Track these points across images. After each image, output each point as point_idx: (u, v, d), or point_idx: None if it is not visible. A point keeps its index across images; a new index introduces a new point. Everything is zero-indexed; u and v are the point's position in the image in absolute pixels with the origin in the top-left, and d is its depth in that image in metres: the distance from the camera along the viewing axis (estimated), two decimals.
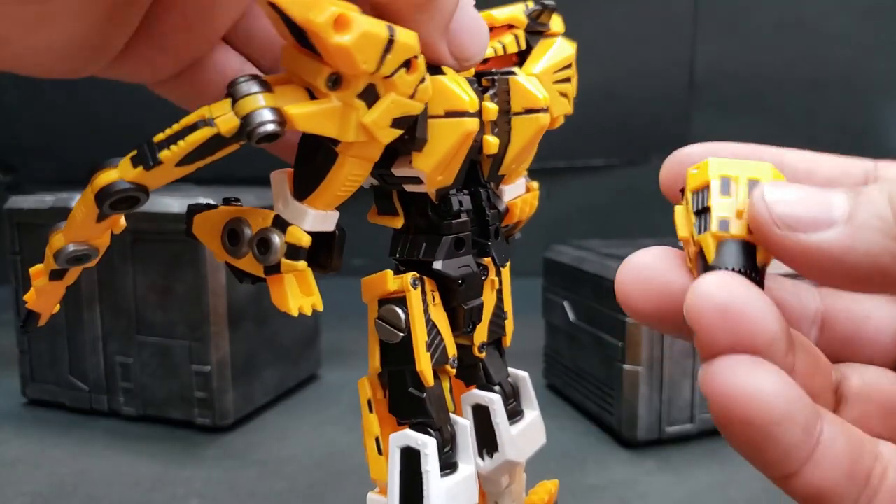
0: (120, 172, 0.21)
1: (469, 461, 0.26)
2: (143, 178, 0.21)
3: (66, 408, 0.72)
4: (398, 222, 0.27)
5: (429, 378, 0.25)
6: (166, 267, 0.65)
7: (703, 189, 0.18)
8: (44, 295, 0.26)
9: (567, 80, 0.29)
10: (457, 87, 0.24)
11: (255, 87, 0.20)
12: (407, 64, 0.21)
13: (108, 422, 0.69)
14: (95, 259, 0.24)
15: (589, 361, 0.66)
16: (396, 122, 0.22)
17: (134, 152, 0.21)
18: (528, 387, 0.31)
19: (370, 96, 0.21)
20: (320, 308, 0.23)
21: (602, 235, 0.81)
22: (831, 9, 1.24)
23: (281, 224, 0.22)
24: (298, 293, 0.23)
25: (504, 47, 0.28)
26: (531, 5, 0.28)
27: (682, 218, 0.19)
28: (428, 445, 0.25)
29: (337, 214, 0.24)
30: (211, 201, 0.26)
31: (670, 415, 0.61)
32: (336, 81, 0.21)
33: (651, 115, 1.26)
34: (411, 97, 0.22)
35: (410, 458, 0.25)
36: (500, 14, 0.28)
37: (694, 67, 1.28)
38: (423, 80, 0.22)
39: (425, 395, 0.25)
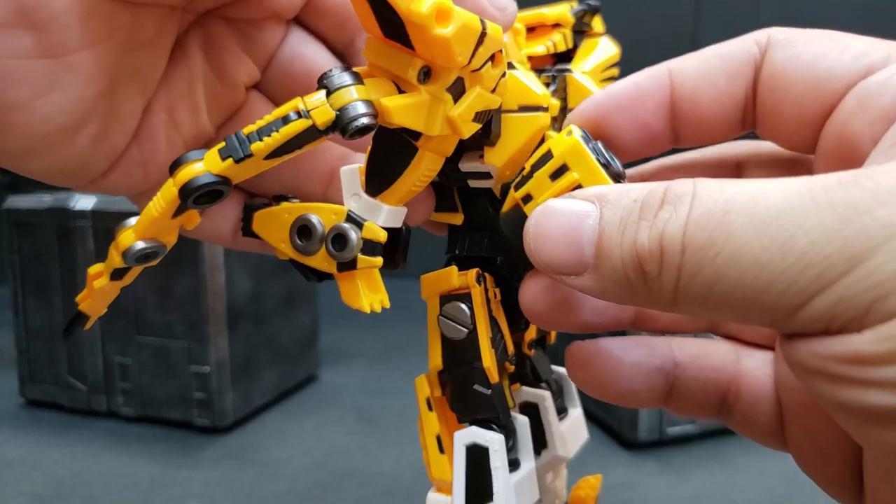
0: (207, 165, 0.20)
1: (529, 458, 0.26)
2: (230, 170, 0.20)
3: (64, 408, 0.71)
4: (458, 219, 0.26)
5: (495, 374, 0.25)
6: (165, 267, 0.65)
7: (548, 156, 0.21)
8: (100, 297, 0.25)
9: (612, 78, 0.29)
10: (530, 82, 0.24)
11: (348, 79, 0.20)
12: (492, 57, 0.21)
13: (107, 422, 0.69)
14: (161, 257, 0.23)
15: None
16: (478, 116, 0.22)
17: (221, 144, 0.20)
18: (571, 384, 0.31)
19: (457, 90, 0.21)
20: (388, 305, 0.23)
21: None
22: (831, 9, 1.24)
23: (354, 220, 0.22)
24: (369, 290, 0.23)
25: (554, 45, 0.28)
26: (576, 5, 0.29)
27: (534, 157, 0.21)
28: (496, 442, 0.24)
29: (405, 210, 0.23)
30: (264, 200, 0.25)
31: (671, 416, 0.61)
32: (427, 74, 0.20)
33: None
34: (493, 91, 0.22)
35: (476, 456, 0.25)
36: (550, 12, 0.28)
37: None
38: (503, 75, 0.22)
39: (491, 391, 0.25)
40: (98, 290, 0.24)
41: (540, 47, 0.27)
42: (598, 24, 0.30)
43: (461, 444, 0.25)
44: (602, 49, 0.29)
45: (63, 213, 0.68)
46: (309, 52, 0.27)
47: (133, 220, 0.23)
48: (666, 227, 0.15)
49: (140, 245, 0.22)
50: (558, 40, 0.28)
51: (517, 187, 0.21)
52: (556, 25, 0.28)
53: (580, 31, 0.29)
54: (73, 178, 0.25)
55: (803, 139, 0.20)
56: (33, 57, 0.21)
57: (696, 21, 1.26)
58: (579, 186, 0.20)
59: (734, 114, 0.21)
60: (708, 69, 0.21)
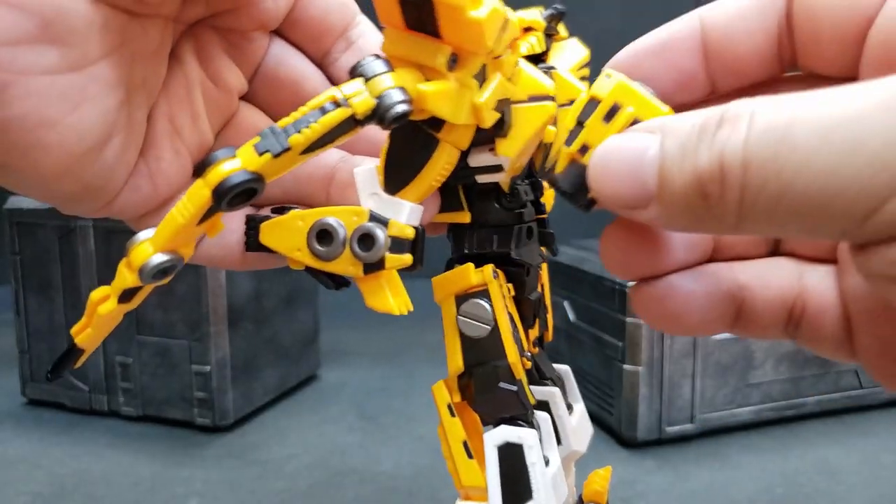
0: (243, 162, 0.19)
1: (555, 453, 0.26)
2: (267, 166, 0.19)
3: (65, 408, 0.72)
4: (465, 217, 0.26)
5: (520, 370, 0.25)
6: None
7: (595, 102, 0.20)
8: (103, 324, 0.23)
9: (585, 78, 0.30)
10: (536, 73, 0.24)
11: (381, 67, 0.19)
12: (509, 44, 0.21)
13: (108, 422, 0.69)
14: (176, 271, 0.22)
15: (589, 361, 0.66)
16: (498, 105, 0.21)
17: (256, 139, 0.19)
18: (572, 380, 0.30)
19: (481, 77, 0.21)
20: (411, 308, 0.22)
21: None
22: None
23: (378, 219, 0.21)
24: (392, 293, 0.22)
25: (532, 47, 0.28)
26: (543, 10, 0.29)
27: (569, 114, 0.21)
28: (530, 437, 0.24)
29: (423, 208, 0.23)
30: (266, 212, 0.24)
31: (670, 415, 0.61)
32: (454, 61, 0.20)
33: None
34: (509, 79, 0.21)
35: (509, 455, 0.24)
36: (527, 16, 0.29)
37: None
38: (516, 63, 0.22)
39: (517, 388, 0.25)
40: (102, 316, 0.22)
41: (522, 48, 0.28)
42: (562, 28, 0.31)
43: (492, 445, 0.24)
44: (574, 50, 0.30)
45: (63, 214, 0.68)
46: (292, 61, 0.27)
47: (143, 235, 0.21)
48: (726, 147, 0.15)
49: (159, 258, 0.20)
50: (534, 43, 0.28)
51: (569, 143, 0.21)
52: (528, 29, 0.29)
53: (549, 34, 0.30)
54: (94, 199, 0.24)
55: (846, 60, 0.20)
56: (61, 71, 0.21)
57: None
58: (636, 122, 0.20)
59: (770, 50, 0.21)
60: (739, 6, 0.21)
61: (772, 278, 0.22)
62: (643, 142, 0.17)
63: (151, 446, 0.64)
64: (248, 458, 0.61)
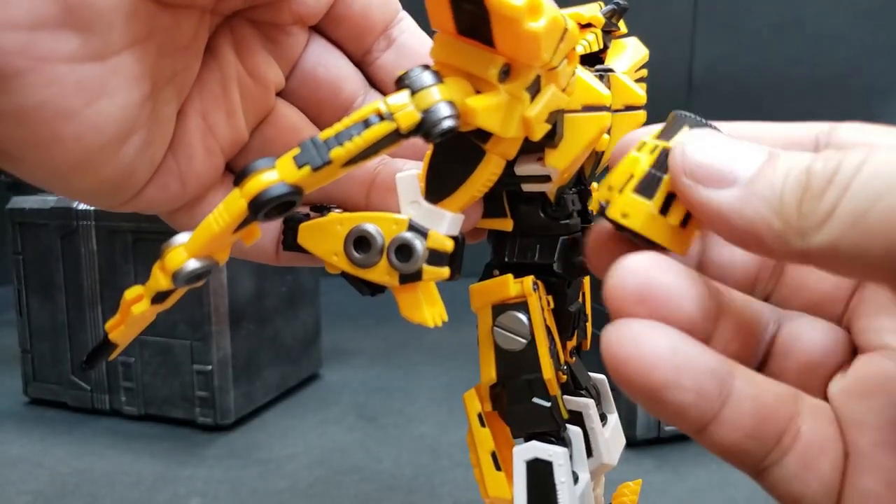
0: (281, 174, 0.19)
1: (585, 469, 0.25)
2: (307, 179, 0.19)
3: (67, 407, 0.72)
4: (508, 224, 0.25)
5: (555, 386, 0.24)
6: None
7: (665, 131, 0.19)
8: (136, 323, 0.23)
9: (643, 79, 0.29)
10: (593, 81, 0.23)
11: (429, 79, 0.19)
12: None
13: (110, 421, 0.70)
14: (209, 276, 0.21)
15: (588, 361, 0.67)
16: (549, 117, 0.21)
17: (295, 151, 0.19)
18: (608, 389, 0.30)
19: (534, 88, 0.20)
20: (446, 318, 0.22)
21: None
22: (830, 9, 1.24)
23: (417, 229, 0.21)
24: (427, 303, 0.21)
25: (589, 45, 0.27)
26: (604, 6, 0.28)
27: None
28: (560, 456, 0.24)
29: (464, 217, 0.22)
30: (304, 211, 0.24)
31: None
32: (506, 73, 0.19)
33: (649, 116, 1.26)
34: (563, 90, 0.21)
35: (538, 471, 0.24)
36: (585, 12, 0.28)
37: (692, 68, 1.28)
38: (573, 74, 0.21)
39: (551, 404, 0.24)
40: (136, 315, 0.22)
41: (577, 47, 0.27)
42: (622, 24, 0.29)
43: (521, 460, 0.24)
44: (633, 50, 0.28)
45: (66, 213, 0.68)
46: (332, 60, 0.26)
47: (181, 238, 0.21)
48: (847, 159, 0.14)
49: (193, 265, 0.20)
50: (592, 41, 0.27)
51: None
52: (588, 25, 0.28)
53: (608, 31, 0.28)
54: (115, 195, 0.24)
55: None
56: (81, 60, 0.20)
57: (696, 21, 1.26)
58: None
59: None
60: None
61: (770, 385, 0.18)
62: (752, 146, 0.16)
63: (153, 445, 0.64)
64: (250, 458, 0.62)
